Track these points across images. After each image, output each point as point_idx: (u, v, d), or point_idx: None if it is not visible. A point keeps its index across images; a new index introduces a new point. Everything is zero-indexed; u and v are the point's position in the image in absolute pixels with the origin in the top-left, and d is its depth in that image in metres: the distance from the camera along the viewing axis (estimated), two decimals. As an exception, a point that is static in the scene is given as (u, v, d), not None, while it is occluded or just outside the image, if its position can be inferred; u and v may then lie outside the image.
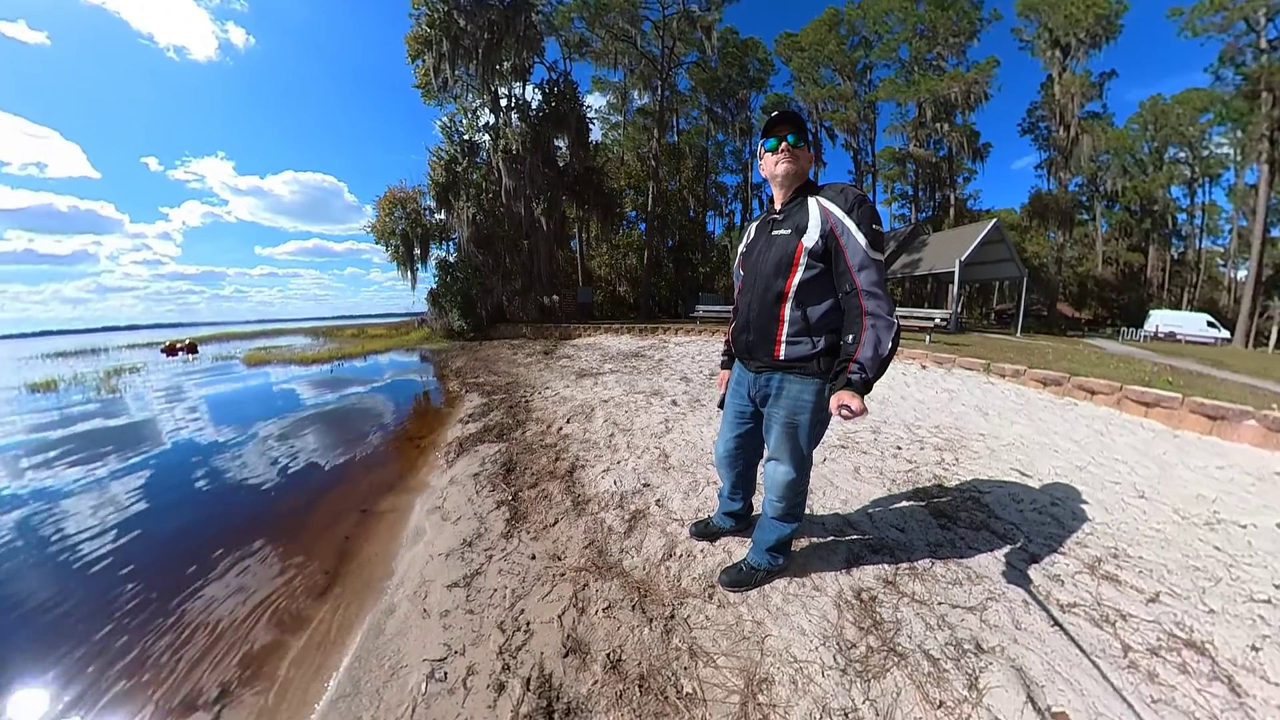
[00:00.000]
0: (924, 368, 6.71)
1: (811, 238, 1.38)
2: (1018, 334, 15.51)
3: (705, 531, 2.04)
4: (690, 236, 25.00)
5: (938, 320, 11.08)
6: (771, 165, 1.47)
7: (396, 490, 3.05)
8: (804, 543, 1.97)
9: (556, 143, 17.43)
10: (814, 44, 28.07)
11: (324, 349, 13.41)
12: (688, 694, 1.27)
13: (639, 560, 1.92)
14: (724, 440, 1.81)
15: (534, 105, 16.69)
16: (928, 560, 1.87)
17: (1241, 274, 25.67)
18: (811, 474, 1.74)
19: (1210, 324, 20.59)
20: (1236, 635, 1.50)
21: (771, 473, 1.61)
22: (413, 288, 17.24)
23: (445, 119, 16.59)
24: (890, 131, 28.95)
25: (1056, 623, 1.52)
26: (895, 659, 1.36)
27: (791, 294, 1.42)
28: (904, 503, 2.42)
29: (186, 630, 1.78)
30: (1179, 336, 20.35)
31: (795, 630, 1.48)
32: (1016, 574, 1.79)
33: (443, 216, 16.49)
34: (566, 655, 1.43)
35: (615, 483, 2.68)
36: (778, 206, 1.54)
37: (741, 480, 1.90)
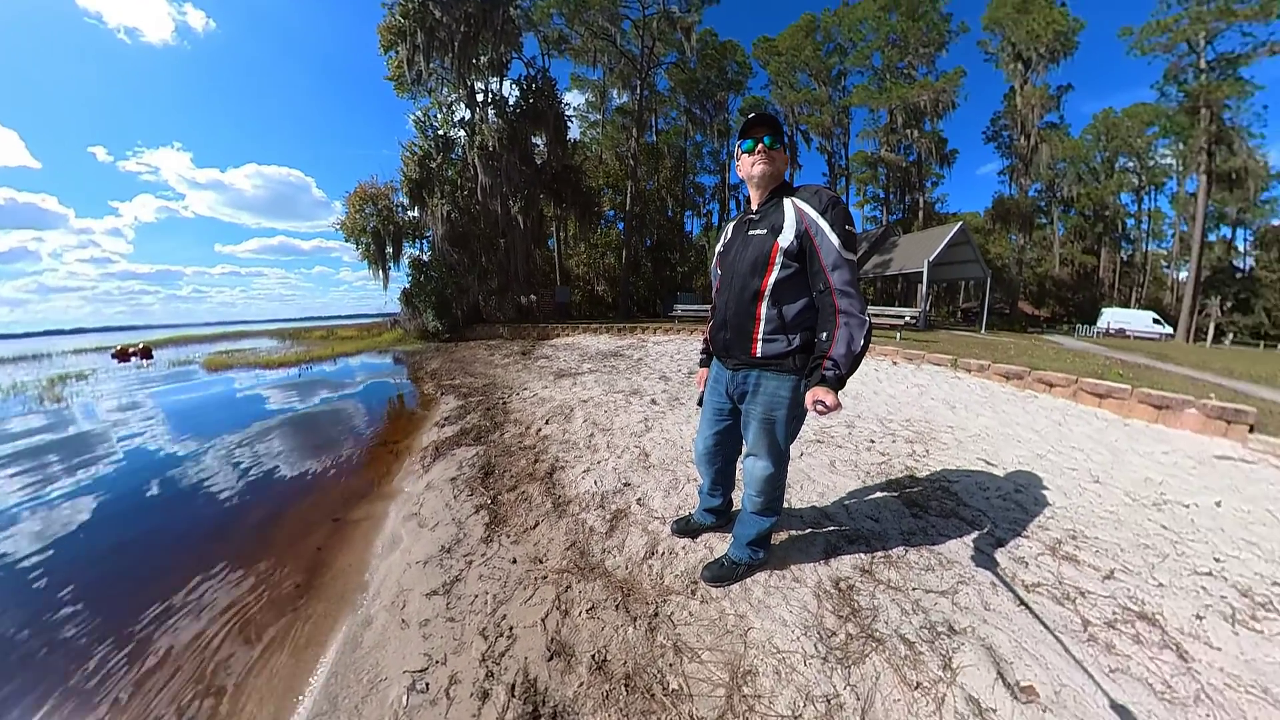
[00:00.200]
0: (895, 364, 6.93)
1: (787, 238, 1.40)
2: (982, 331, 16.21)
3: (686, 528, 2.05)
4: (668, 236, 25.12)
5: (908, 318, 11.46)
6: (748, 166, 1.50)
7: (371, 497, 2.96)
8: (783, 536, 2.01)
9: (534, 140, 17.15)
10: (791, 49, 28.80)
11: (291, 352, 12.86)
12: (674, 690, 1.28)
13: (621, 560, 1.92)
14: (703, 437, 1.83)
15: (511, 101, 16.38)
16: (901, 548, 1.93)
17: (1183, 275, 27.80)
18: (789, 468, 1.78)
19: (1156, 321, 22.16)
20: (1183, 606, 1.61)
21: (750, 468, 1.63)
22: (385, 287, 16.75)
23: (419, 113, 16.13)
24: (863, 136, 29.98)
25: (1022, 602, 1.60)
26: (873, 644, 1.41)
27: (768, 293, 1.45)
28: (878, 494, 2.50)
29: (140, 655, 1.67)
30: (1128, 332, 21.75)
31: (777, 621, 1.50)
32: (984, 558, 1.87)
33: (416, 214, 16.01)
34: (551, 659, 1.41)
35: (596, 483, 2.67)
36: (754, 207, 1.56)
37: (721, 476, 1.92)
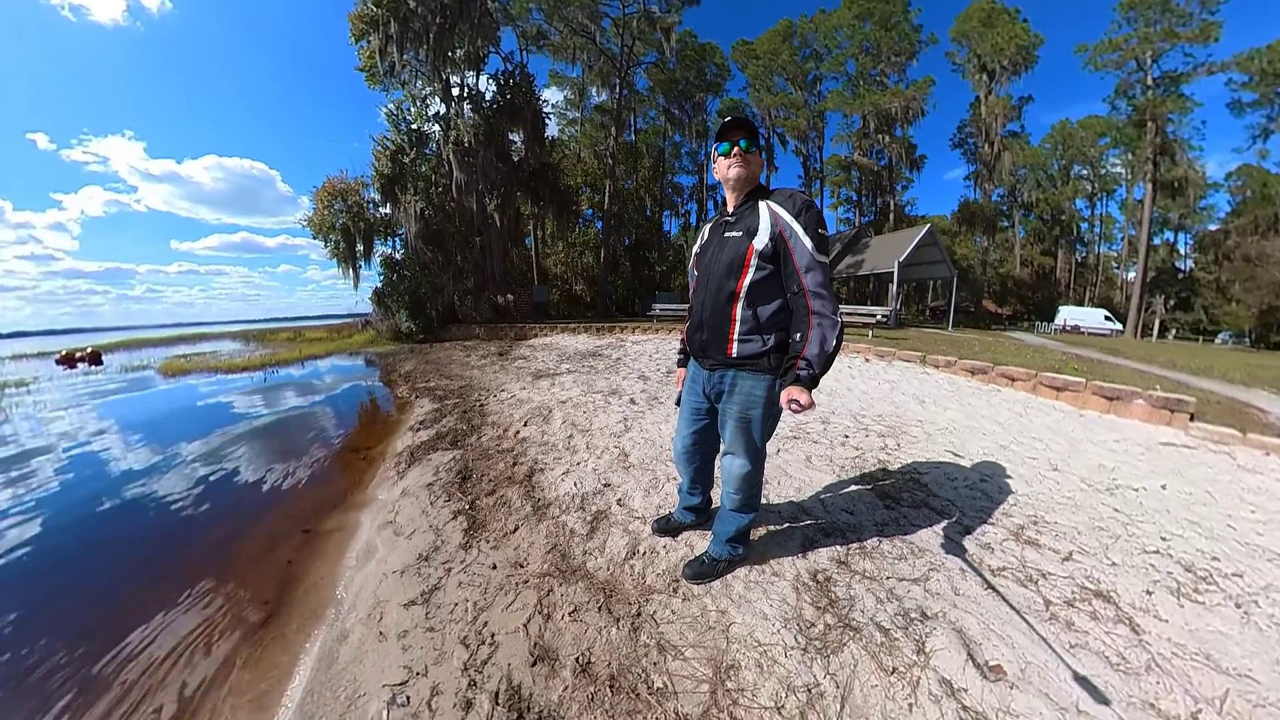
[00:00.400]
0: (867, 361, 7.13)
1: (762, 240, 1.43)
2: (949, 329, 16.91)
3: (667, 527, 2.07)
4: (647, 235, 25.16)
5: (879, 317, 11.81)
6: (724, 169, 1.51)
7: (343, 507, 2.87)
8: (762, 531, 2.04)
9: (511, 136, 16.77)
10: (768, 53, 29.41)
11: (255, 355, 12.27)
12: (659, 689, 1.28)
13: (603, 561, 1.91)
14: (681, 436, 1.85)
15: (488, 96, 15.95)
16: (875, 539, 1.99)
17: (1131, 276, 29.75)
18: (766, 465, 1.81)
19: (1107, 318, 23.75)
20: (1134, 583, 1.71)
21: (728, 466, 1.65)
22: (355, 287, 16.14)
23: (392, 106, 15.54)
24: (837, 140, 30.86)
25: (989, 586, 1.67)
26: (851, 633, 1.45)
27: (743, 294, 1.47)
28: (852, 487, 2.56)
29: (95, 688, 1.56)
30: (1082, 329, 23.14)
31: (758, 615, 1.53)
32: (953, 545, 1.95)
33: (388, 210, 15.46)
34: (535, 664, 1.40)
35: (576, 484, 2.66)
36: (730, 209, 1.58)
37: (700, 475, 1.94)
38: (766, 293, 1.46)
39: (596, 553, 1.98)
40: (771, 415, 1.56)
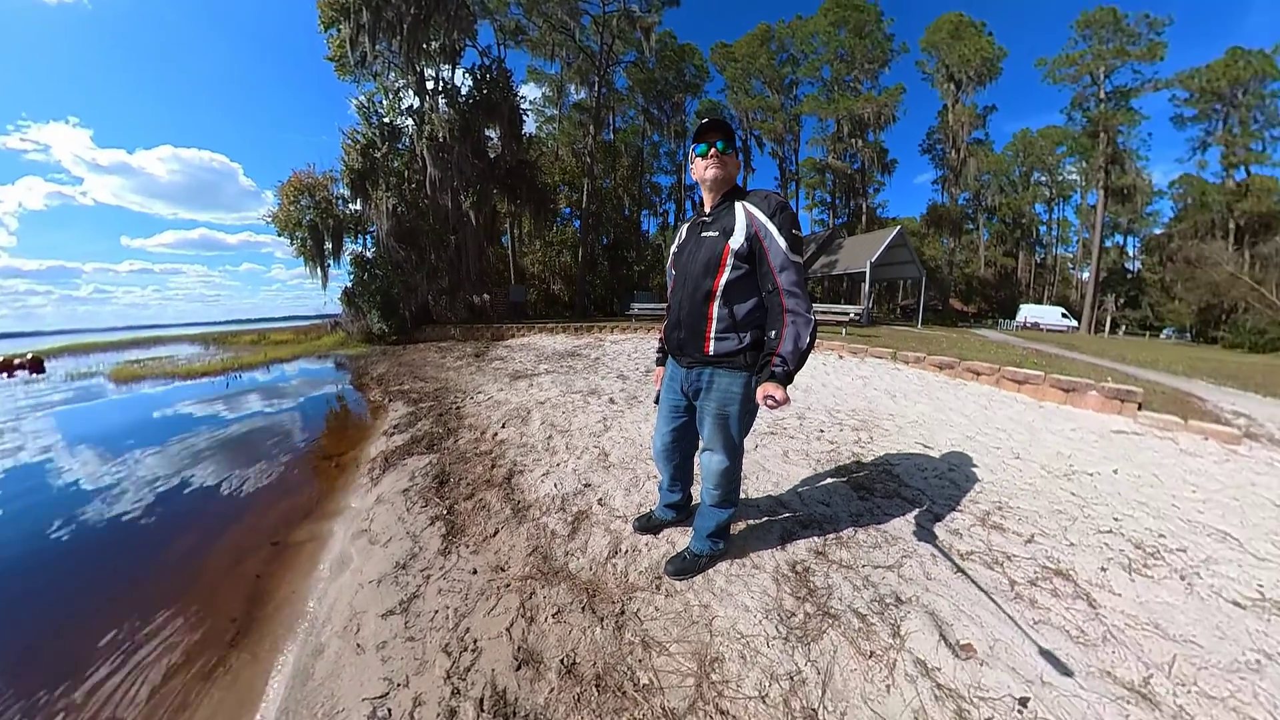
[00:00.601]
0: (841, 357, 7.31)
1: (738, 240, 1.45)
2: (919, 326, 17.58)
3: (648, 525, 2.08)
4: (625, 235, 25.06)
5: (852, 315, 12.13)
6: (701, 169, 1.53)
7: (315, 516, 2.78)
8: (741, 525, 2.08)
9: (488, 133, 16.32)
10: (747, 56, 29.89)
11: (216, 359, 11.62)
12: (645, 685, 1.29)
13: (585, 561, 1.91)
14: (661, 434, 1.86)
15: (464, 91, 15.46)
16: (851, 529, 2.05)
17: (1085, 275, 31.56)
18: (744, 460, 1.84)
19: (1064, 315, 25.28)
20: (1090, 561, 1.82)
21: (707, 462, 1.68)
22: (324, 286, 15.40)
23: (363, 98, 14.88)
24: (812, 143, 31.67)
25: (959, 569, 1.75)
26: (830, 621, 1.49)
27: (719, 293, 1.49)
28: (828, 480, 2.63)
29: None
30: (1041, 326, 24.47)
31: (739, 608, 1.55)
32: (924, 532, 2.02)
33: (358, 207, 14.77)
34: (519, 668, 1.39)
35: (556, 485, 2.64)
36: (707, 209, 1.60)
37: (680, 472, 1.96)
38: (742, 291, 1.49)
39: (578, 553, 1.97)
40: (748, 411, 1.58)
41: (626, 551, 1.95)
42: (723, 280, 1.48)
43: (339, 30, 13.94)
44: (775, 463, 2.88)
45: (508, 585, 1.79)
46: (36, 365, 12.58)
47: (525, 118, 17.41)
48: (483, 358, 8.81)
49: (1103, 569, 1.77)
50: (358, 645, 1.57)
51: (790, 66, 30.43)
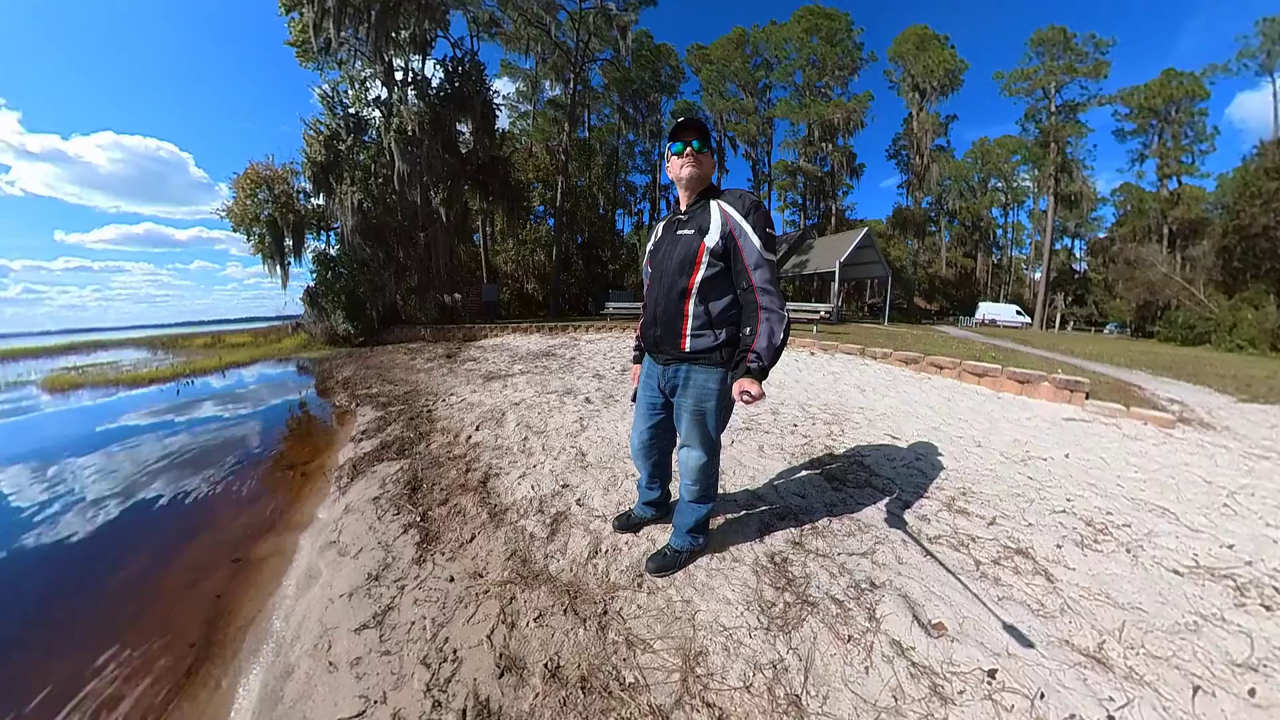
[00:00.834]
0: (812, 354, 7.49)
1: (713, 238, 1.47)
2: (885, 323, 18.28)
3: (628, 524, 2.07)
4: (600, 234, 24.86)
5: (823, 313, 12.48)
6: (677, 168, 1.54)
7: (278, 529, 2.65)
8: (720, 520, 2.10)
9: (459, 127, 15.77)
10: (722, 59, 30.37)
11: (166, 364, 10.73)
12: (630, 684, 1.29)
13: (565, 562, 1.89)
14: (638, 432, 1.86)
15: (435, 83, 14.85)
16: (826, 519, 2.10)
17: (1037, 275, 33.62)
18: (722, 455, 1.86)
19: (1018, 312, 27.04)
20: (1046, 539, 1.93)
21: (685, 459, 1.69)
22: (284, 286, 14.38)
23: (326, 87, 14.09)
24: (784, 146, 32.64)
25: (928, 553, 1.82)
26: (809, 608, 1.52)
27: (695, 290, 1.50)
28: (802, 472, 2.69)
29: None
30: (998, 322, 25.98)
31: (721, 601, 1.57)
32: (895, 519, 2.10)
33: (321, 202, 13.99)
34: (502, 675, 1.36)
35: (533, 487, 2.60)
36: (683, 208, 1.61)
37: (658, 469, 1.96)
38: (718, 289, 1.51)
39: (558, 555, 1.95)
40: (725, 407, 1.60)
41: (607, 551, 1.94)
42: (698, 278, 1.49)
43: (301, 14, 13.13)
44: (751, 457, 2.92)
45: (487, 591, 1.75)
46: (-47, 377, 11.49)
47: (498, 113, 16.96)
48: (455, 359, 8.60)
49: (1058, 546, 1.88)
50: (330, 663, 1.51)
51: (764, 71, 31.13)
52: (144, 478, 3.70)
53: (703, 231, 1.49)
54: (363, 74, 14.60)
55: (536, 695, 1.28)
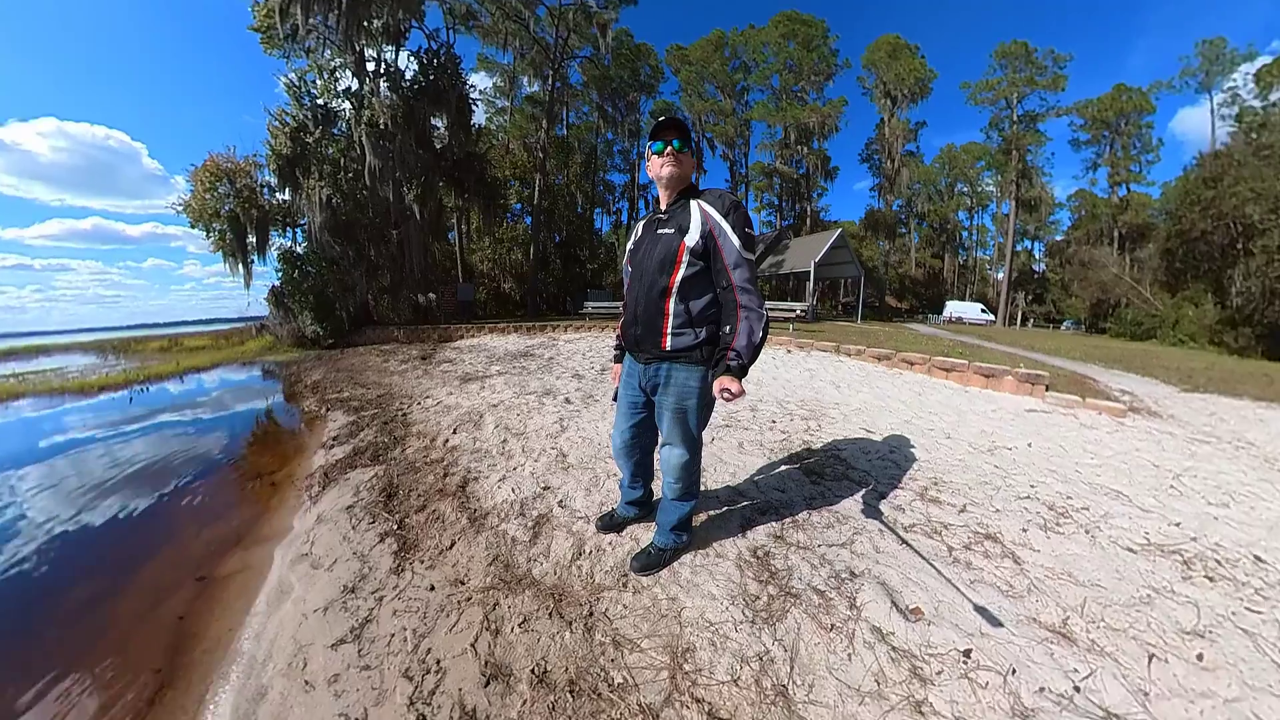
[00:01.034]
0: (789, 351, 7.63)
1: (693, 237, 1.48)
2: (859, 321, 18.86)
3: (611, 524, 2.07)
4: (578, 233, 24.63)
5: (799, 311, 12.76)
6: (657, 167, 1.55)
7: (246, 543, 2.53)
8: (703, 517, 2.12)
9: (434, 121, 15.20)
10: (701, 60, 30.66)
11: (119, 370, 10.04)
12: (619, 684, 1.29)
13: (549, 565, 1.87)
14: (620, 431, 1.85)
15: (408, 75, 14.34)
16: (805, 512, 2.15)
17: (1000, 275, 35.41)
18: (703, 453, 1.88)
19: (983, 310, 28.61)
20: (1013, 524, 2.02)
21: (667, 457, 1.69)
22: (247, 286, 13.58)
23: (293, 76, 13.33)
24: (761, 148, 32.98)
25: (903, 541, 1.88)
26: (792, 600, 1.55)
27: (675, 289, 1.51)
28: (782, 467, 2.74)
29: None
30: (964, 320, 27.30)
31: (706, 597, 1.58)
32: (872, 510, 2.16)
33: (287, 197, 13.30)
34: (488, 683, 1.34)
35: (513, 490, 2.57)
36: (663, 207, 1.62)
37: (640, 469, 1.96)
38: (697, 288, 1.52)
39: (541, 558, 1.93)
40: (706, 405, 1.62)
41: (591, 552, 1.93)
42: (679, 277, 1.50)
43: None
44: (731, 454, 2.96)
45: (469, 598, 1.72)
46: None
47: (474, 108, 16.49)
48: (430, 360, 8.40)
49: (1024, 530, 1.97)
50: (306, 682, 1.45)
51: (742, 73, 31.59)
52: (95, 494, 3.48)
53: (683, 231, 1.50)
54: (332, 64, 13.93)
55: (524, 702, 1.26)
